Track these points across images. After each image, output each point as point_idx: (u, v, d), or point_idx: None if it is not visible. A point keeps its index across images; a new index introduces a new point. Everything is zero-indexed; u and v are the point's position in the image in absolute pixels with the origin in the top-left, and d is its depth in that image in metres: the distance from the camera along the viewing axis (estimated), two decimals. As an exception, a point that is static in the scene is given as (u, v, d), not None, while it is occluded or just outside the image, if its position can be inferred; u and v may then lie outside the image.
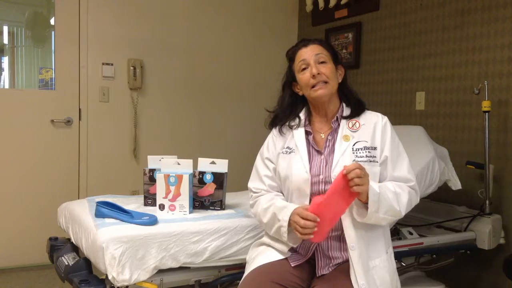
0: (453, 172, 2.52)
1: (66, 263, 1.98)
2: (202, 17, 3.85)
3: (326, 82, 1.70)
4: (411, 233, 2.36)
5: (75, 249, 2.11)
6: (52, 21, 3.51)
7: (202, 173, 2.17)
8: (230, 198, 2.30)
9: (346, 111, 1.77)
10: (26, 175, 3.35)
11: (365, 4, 3.53)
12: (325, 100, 1.74)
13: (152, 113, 3.71)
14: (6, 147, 3.29)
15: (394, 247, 1.82)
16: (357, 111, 1.76)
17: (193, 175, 2.15)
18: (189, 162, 2.11)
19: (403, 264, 2.31)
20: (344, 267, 1.66)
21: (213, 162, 2.20)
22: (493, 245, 2.50)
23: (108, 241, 1.74)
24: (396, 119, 3.27)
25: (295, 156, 1.74)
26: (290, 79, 1.83)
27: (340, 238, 1.68)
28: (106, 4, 3.51)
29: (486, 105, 2.57)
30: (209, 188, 2.17)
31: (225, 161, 2.20)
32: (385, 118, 1.76)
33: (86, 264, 1.91)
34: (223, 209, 2.16)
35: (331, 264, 1.69)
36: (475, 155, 2.76)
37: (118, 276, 1.72)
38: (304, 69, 1.74)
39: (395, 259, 1.80)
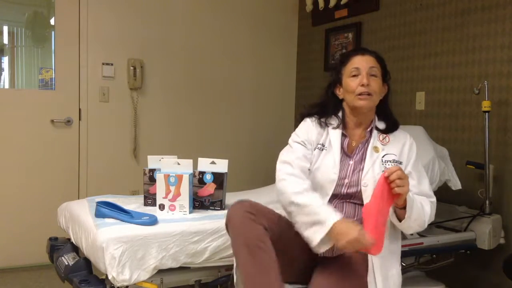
0: (453, 172, 2.53)
1: (66, 263, 1.98)
2: (202, 17, 3.85)
3: (370, 95, 1.75)
4: (411, 233, 2.36)
5: (75, 249, 2.11)
6: (52, 21, 3.51)
7: (202, 173, 2.18)
8: (230, 198, 2.29)
9: (380, 124, 1.83)
10: (26, 175, 3.34)
11: (365, 4, 3.53)
12: (364, 111, 1.79)
13: (152, 113, 3.71)
14: (6, 147, 3.29)
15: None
16: (391, 129, 1.84)
17: (193, 175, 2.15)
18: (189, 162, 2.11)
19: (403, 264, 2.31)
20: (349, 259, 1.69)
21: (213, 162, 2.20)
22: (493, 245, 2.50)
23: (108, 241, 1.74)
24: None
25: (327, 154, 1.78)
26: (335, 81, 1.86)
27: None
28: (106, 4, 3.51)
29: (486, 105, 2.57)
30: (209, 188, 2.18)
31: (225, 161, 2.20)
32: (412, 139, 1.85)
33: (86, 264, 1.92)
34: (223, 209, 2.17)
35: (334, 249, 1.72)
36: (475, 155, 2.76)
37: (118, 276, 1.72)
38: (354, 75, 1.77)
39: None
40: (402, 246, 2.24)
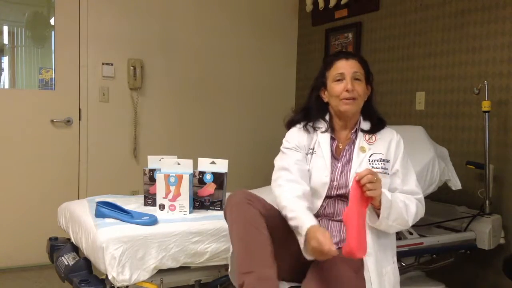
0: (453, 172, 2.52)
1: (66, 263, 1.98)
2: (202, 17, 3.85)
3: (355, 99, 1.78)
4: (411, 233, 2.36)
5: (75, 249, 2.12)
6: (52, 21, 3.51)
7: (202, 173, 2.18)
8: (230, 198, 2.29)
9: (364, 125, 1.85)
10: (26, 175, 3.34)
11: (365, 4, 3.53)
12: (349, 115, 1.82)
13: (152, 113, 3.71)
14: (6, 147, 3.29)
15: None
16: (377, 127, 1.85)
17: (193, 175, 2.15)
18: (189, 162, 2.11)
19: (403, 264, 2.31)
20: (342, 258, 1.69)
21: (213, 162, 2.20)
22: (493, 245, 2.50)
23: (108, 241, 1.74)
24: (396, 119, 3.27)
25: (317, 158, 1.81)
26: (319, 85, 1.89)
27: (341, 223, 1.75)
28: (106, 4, 3.51)
29: (486, 105, 2.57)
30: (209, 188, 2.18)
31: (225, 161, 2.20)
32: (399, 136, 1.86)
33: (86, 264, 1.92)
34: (223, 209, 2.16)
35: None
36: (475, 155, 2.76)
37: (118, 276, 1.73)
38: (339, 80, 1.80)
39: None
40: (402, 246, 2.26)
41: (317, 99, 1.90)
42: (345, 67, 1.81)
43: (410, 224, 1.73)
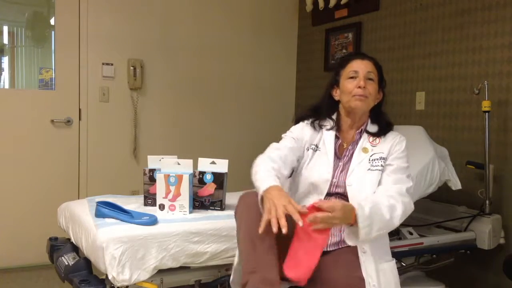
0: (453, 172, 2.52)
1: (66, 263, 1.98)
2: (202, 17, 3.85)
3: (366, 97, 1.80)
4: (411, 233, 2.36)
5: (75, 249, 2.12)
6: (52, 21, 3.51)
7: (202, 173, 2.18)
8: (230, 198, 2.29)
9: (371, 127, 1.87)
10: (26, 175, 3.34)
11: (365, 4, 3.53)
12: (358, 113, 1.83)
13: (152, 113, 3.71)
14: (6, 147, 3.29)
15: (394, 247, 1.85)
16: (384, 131, 1.86)
17: (193, 175, 2.15)
18: (189, 162, 2.11)
19: (403, 264, 2.31)
20: (343, 255, 1.71)
21: (213, 162, 2.20)
22: (493, 245, 2.50)
23: (108, 241, 1.74)
24: (396, 119, 3.27)
25: (320, 155, 1.84)
26: (332, 82, 1.91)
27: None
28: (106, 4, 3.51)
29: (486, 105, 2.57)
30: (209, 188, 2.18)
31: (225, 161, 2.20)
32: (402, 137, 1.86)
33: (86, 264, 1.92)
34: (223, 209, 2.17)
35: (329, 242, 1.76)
36: (475, 155, 2.76)
37: (118, 276, 1.73)
38: (352, 77, 1.82)
39: (395, 259, 1.83)
40: (402, 246, 2.26)
41: (329, 97, 1.92)
42: (360, 66, 1.82)
43: (397, 225, 1.69)
